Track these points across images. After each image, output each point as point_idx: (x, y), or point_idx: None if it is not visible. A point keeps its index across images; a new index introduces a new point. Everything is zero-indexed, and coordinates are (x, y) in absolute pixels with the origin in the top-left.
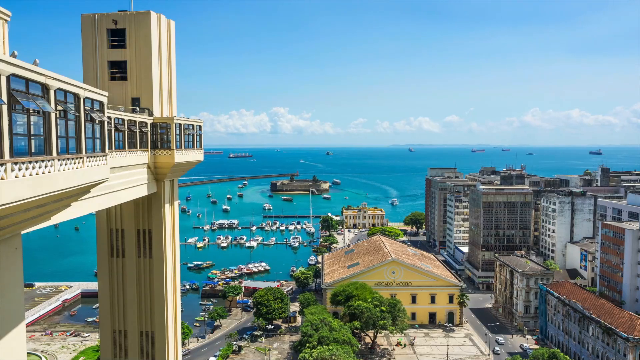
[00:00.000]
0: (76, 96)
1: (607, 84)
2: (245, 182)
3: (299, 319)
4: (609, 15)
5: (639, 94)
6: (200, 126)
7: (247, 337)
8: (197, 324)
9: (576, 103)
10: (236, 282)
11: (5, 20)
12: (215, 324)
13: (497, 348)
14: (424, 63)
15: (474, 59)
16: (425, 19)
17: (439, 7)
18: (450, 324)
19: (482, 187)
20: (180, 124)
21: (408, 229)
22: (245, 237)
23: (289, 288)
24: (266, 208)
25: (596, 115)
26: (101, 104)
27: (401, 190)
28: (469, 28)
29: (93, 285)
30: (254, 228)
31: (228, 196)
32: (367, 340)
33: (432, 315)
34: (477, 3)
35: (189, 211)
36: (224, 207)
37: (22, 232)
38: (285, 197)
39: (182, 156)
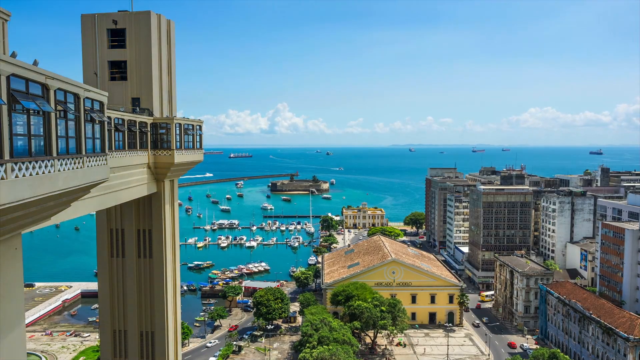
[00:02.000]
0: (76, 96)
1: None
2: (241, 182)
3: (299, 319)
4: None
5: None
6: (200, 126)
7: (247, 337)
8: (197, 324)
9: (564, 102)
10: (236, 282)
11: (5, 20)
12: (215, 324)
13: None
14: (424, 64)
15: (476, 61)
16: (426, 23)
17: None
18: (450, 324)
19: (482, 187)
20: (180, 124)
21: (408, 229)
22: (245, 237)
23: (289, 288)
24: (269, 208)
25: (582, 113)
26: (101, 104)
27: (401, 190)
28: (473, 30)
29: (93, 285)
30: (254, 228)
31: (227, 196)
32: (367, 340)
33: (432, 315)
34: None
35: (191, 211)
36: (226, 207)
37: (22, 232)
38: (284, 197)
39: (182, 156)
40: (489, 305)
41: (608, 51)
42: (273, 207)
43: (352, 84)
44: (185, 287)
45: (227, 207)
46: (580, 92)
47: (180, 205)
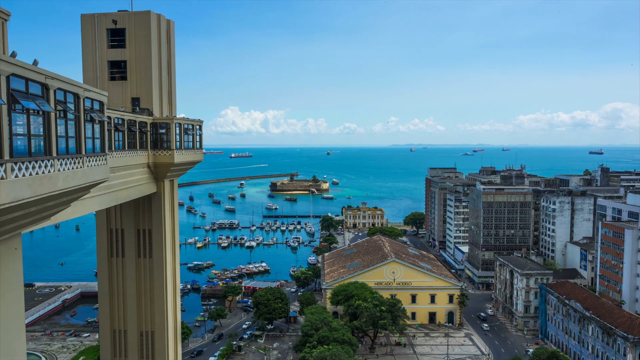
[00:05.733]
0: (76, 96)
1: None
2: (242, 182)
3: (299, 319)
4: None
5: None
6: (200, 126)
7: (247, 337)
8: (197, 324)
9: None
10: (236, 282)
11: (5, 20)
12: (215, 324)
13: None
14: (422, 65)
15: (475, 63)
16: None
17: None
18: (450, 324)
19: (482, 186)
20: (180, 124)
21: (408, 228)
22: (245, 237)
23: (289, 288)
24: (273, 208)
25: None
26: (101, 103)
27: (401, 190)
28: (474, 32)
29: (93, 285)
30: (254, 228)
31: (230, 196)
32: (367, 340)
33: (432, 315)
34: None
35: (195, 211)
36: (230, 207)
37: (22, 232)
38: (288, 197)
39: (182, 156)
40: (488, 304)
41: (600, 50)
42: (278, 207)
43: (353, 85)
44: (189, 287)
45: (231, 207)
46: (578, 92)
47: (181, 205)
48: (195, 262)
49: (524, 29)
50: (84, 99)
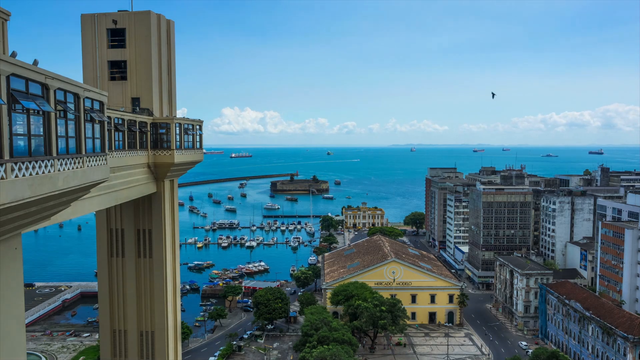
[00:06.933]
0: (76, 96)
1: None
2: (244, 182)
3: (299, 319)
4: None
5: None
6: (200, 126)
7: (247, 337)
8: (197, 324)
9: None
10: (236, 282)
11: (5, 20)
12: (215, 324)
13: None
14: (421, 66)
15: (474, 63)
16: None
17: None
18: (450, 324)
19: (482, 186)
20: (180, 124)
21: (408, 228)
22: (245, 237)
23: (289, 288)
24: (275, 208)
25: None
26: (101, 103)
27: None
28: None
29: (93, 285)
30: (254, 228)
31: (229, 196)
32: (367, 340)
33: (432, 315)
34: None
35: (197, 211)
36: (231, 207)
37: (22, 232)
38: (289, 197)
39: (182, 156)
40: (488, 304)
41: (597, 51)
42: (279, 207)
43: (352, 85)
44: (187, 287)
45: (232, 207)
46: (576, 93)
47: (182, 205)
48: (196, 262)
49: (522, 29)
50: (84, 99)
